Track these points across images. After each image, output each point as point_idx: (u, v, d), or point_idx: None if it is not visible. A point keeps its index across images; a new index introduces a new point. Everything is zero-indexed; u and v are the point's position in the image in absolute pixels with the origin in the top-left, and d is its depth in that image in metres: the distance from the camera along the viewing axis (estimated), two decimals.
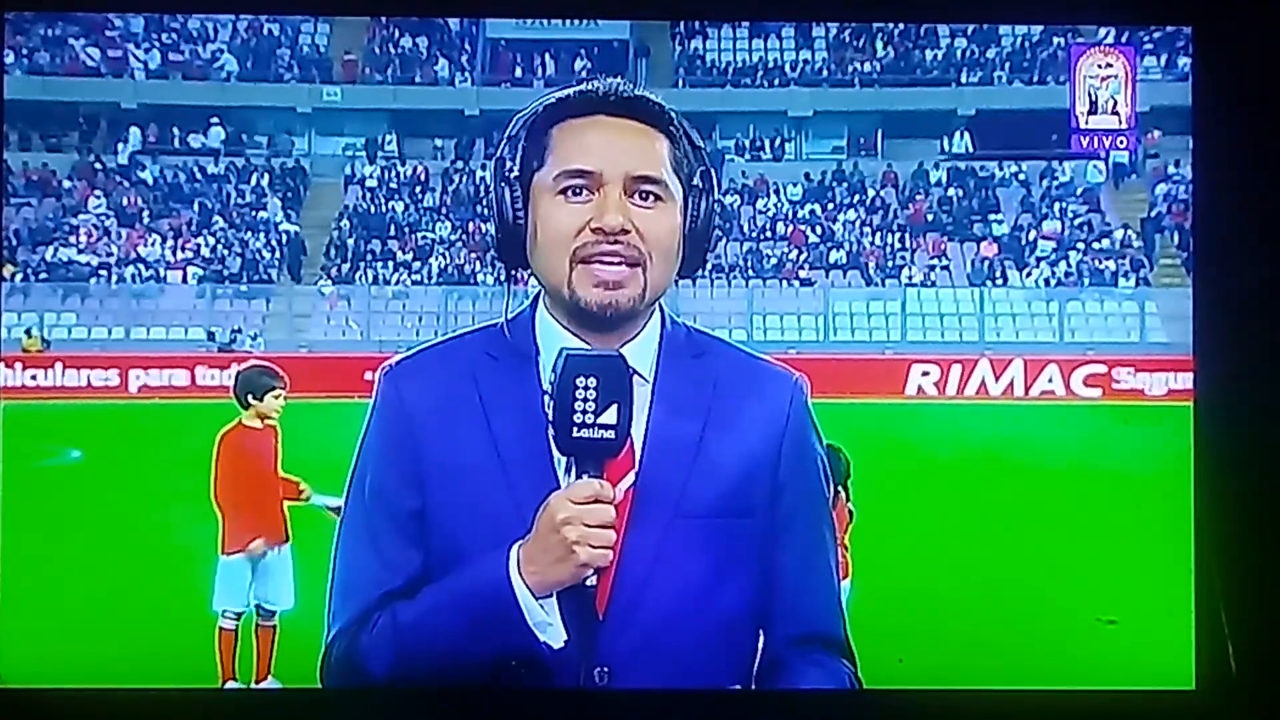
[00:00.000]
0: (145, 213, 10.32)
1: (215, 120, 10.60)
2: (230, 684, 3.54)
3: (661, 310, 1.66)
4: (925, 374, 8.81)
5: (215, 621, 3.64)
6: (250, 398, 3.69)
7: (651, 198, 1.59)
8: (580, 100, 1.62)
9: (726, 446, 1.63)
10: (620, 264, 1.57)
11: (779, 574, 1.64)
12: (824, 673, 1.65)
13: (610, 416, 1.53)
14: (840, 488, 3.42)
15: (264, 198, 10.47)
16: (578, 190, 1.58)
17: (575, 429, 1.53)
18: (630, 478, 1.59)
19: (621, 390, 1.54)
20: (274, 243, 10.41)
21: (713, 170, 1.66)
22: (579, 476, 1.55)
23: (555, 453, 1.58)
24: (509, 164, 1.63)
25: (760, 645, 1.66)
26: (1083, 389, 8.43)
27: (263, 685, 3.56)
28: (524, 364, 1.63)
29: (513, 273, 1.66)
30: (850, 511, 3.48)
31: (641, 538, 1.58)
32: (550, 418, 1.55)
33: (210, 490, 3.65)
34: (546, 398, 1.57)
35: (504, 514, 1.57)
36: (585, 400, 1.53)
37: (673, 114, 1.63)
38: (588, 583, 1.54)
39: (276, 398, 3.69)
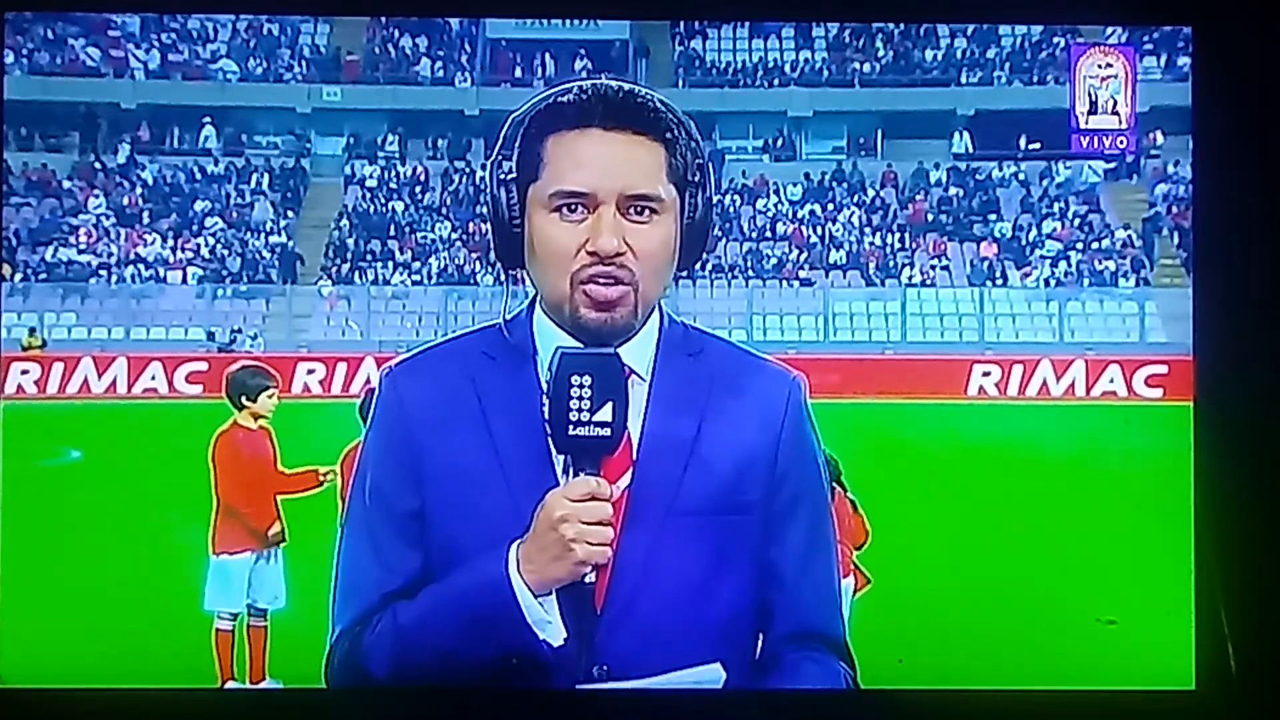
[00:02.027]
0: (145, 213, 10.32)
1: (207, 120, 10.59)
2: (230, 684, 3.54)
3: (660, 309, 1.66)
4: (926, 374, 8.81)
5: (213, 622, 3.63)
6: (244, 399, 3.65)
7: (647, 212, 1.59)
8: (575, 109, 1.60)
9: (723, 443, 1.63)
10: (614, 284, 1.57)
11: (776, 571, 1.64)
12: (820, 669, 1.65)
13: (605, 414, 1.54)
14: (836, 484, 3.44)
15: (263, 199, 10.47)
16: (572, 208, 1.58)
17: (571, 427, 1.54)
18: (628, 475, 1.59)
19: (616, 388, 1.55)
20: (273, 243, 10.41)
21: (709, 164, 1.66)
22: (576, 475, 1.55)
23: (554, 452, 1.58)
24: (505, 166, 1.62)
25: (759, 642, 1.66)
26: (1083, 389, 8.42)
27: (260, 685, 3.55)
28: (522, 364, 1.63)
29: (510, 272, 1.67)
30: (852, 502, 3.48)
31: (639, 535, 1.58)
32: (546, 416, 1.55)
33: (211, 491, 3.64)
34: (544, 397, 1.57)
35: (503, 513, 1.58)
36: (580, 398, 1.53)
37: (670, 116, 1.61)
38: (586, 580, 1.55)
39: (270, 398, 3.66)
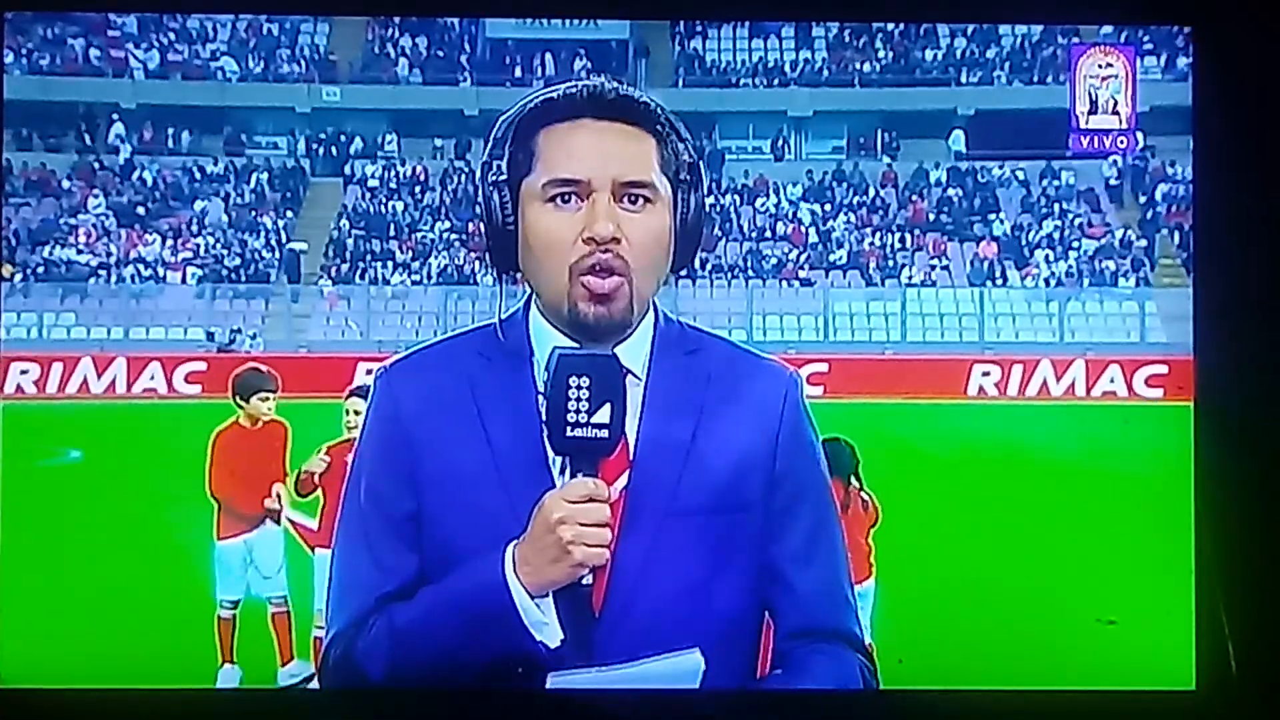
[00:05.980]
0: (145, 212, 10.33)
1: (116, 117, 10.57)
2: (228, 667, 3.58)
3: (655, 308, 1.67)
4: (926, 374, 8.81)
5: (214, 615, 3.74)
6: (238, 399, 3.81)
7: (640, 200, 1.59)
8: (566, 103, 1.62)
9: (720, 442, 1.63)
10: (611, 275, 1.57)
11: (779, 569, 1.64)
12: (830, 662, 1.65)
13: (604, 416, 1.54)
14: (852, 478, 3.44)
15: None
16: (566, 198, 1.58)
17: (569, 428, 1.54)
18: (625, 476, 1.59)
19: (614, 389, 1.55)
20: (273, 243, 10.42)
21: (700, 164, 1.67)
22: (574, 476, 1.55)
23: (550, 453, 1.58)
24: (496, 167, 1.63)
25: (765, 640, 1.66)
26: (1083, 389, 8.42)
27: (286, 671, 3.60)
28: (518, 365, 1.63)
29: (506, 274, 1.67)
30: (868, 502, 3.49)
31: (636, 536, 1.58)
32: (544, 418, 1.55)
33: (205, 484, 3.75)
34: (540, 398, 1.57)
35: (499, 515, 1.57)
36: (579, 400, 1.53)
37: (659, 111, 1.63)
38: (583, 582, 1.55)
39: (264, 400, 3.77)
